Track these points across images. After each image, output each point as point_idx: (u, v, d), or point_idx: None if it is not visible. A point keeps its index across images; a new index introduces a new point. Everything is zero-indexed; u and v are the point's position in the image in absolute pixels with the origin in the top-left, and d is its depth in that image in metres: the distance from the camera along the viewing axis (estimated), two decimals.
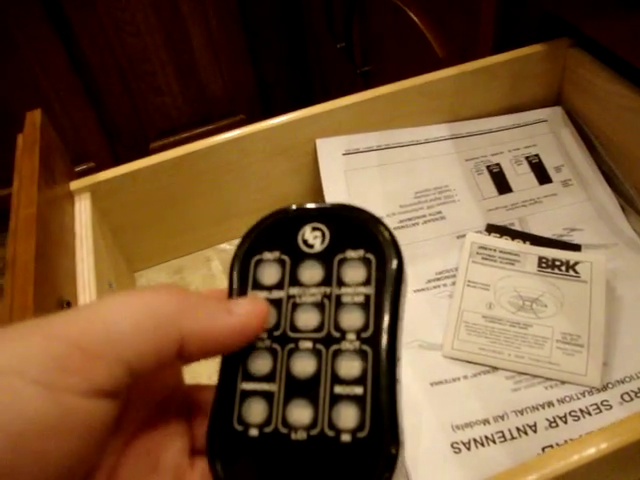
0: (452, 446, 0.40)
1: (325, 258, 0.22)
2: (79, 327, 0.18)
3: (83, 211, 0.50)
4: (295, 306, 0.22)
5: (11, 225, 0.40)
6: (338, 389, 0.21)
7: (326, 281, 0.22)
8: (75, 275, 0.45)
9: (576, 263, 0.47)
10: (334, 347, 0.21)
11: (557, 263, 0.48)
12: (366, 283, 0.21)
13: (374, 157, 0.54)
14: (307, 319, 0.22)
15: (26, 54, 1.28)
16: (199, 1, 1.34)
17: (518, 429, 0.40)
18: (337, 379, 0.21)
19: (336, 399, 0.21)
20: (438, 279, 0.49)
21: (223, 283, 0.56)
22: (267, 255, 0.23)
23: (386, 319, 0.21)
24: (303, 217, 0.23)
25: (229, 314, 0.21)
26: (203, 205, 0.56)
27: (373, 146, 0.54)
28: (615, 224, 0.51)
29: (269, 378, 0.22)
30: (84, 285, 0.44)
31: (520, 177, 0.54)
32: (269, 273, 0.23)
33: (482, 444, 0.40)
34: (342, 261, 0.22)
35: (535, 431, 0.40)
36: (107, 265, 0.50)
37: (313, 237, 0.23)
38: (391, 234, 0.22)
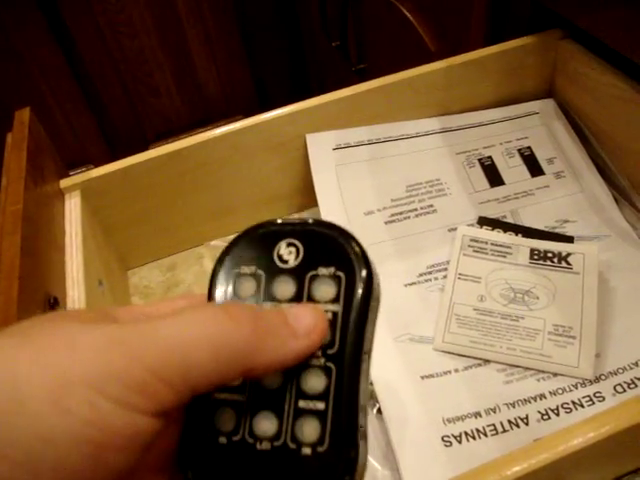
0: (443, 439, 0.39)
1: (298, 274, 0.22)
2: (157, 353, 0.19)
3: (73, 209, 0.50)
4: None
5: None
6: (302, 403, 0.21)
7: (297, 297, 0.22)
8: (64, 272, 0.45)
9: (568, 254, 0.47)
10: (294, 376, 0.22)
11: (549, 255, 0.47)
12: (335, 300, 0.22)
13: (365, 151, 0.54)
14: None
15: (24, 58, 1.28)
16: (195, 1, 1.34)
17: (510, 422, 0.40)
18: (301, 393, 0.21)
19: (299, 413, 0.21)
20: (430, 272, 0.48)
21: None
22: (244, 269, 0.23)
23: (351, 337, 0.21)
24: (279, 233, 0.23)
25: (294, 338, 0.21)
26: (195, 202, 0.55)
27: (364, 140, 0.54)
28: (608, 216, 0.51)
29: (239, 389, 0.22)
30: (73, 282, 0.44)
31: (512, 169, 0.54)
32: (245, 287, 0.23)
33: (473, 437, 0.39)
34: (313, 277, 0.22)
35: (527, 424, 0.40)
36: (98, 263, 0.50)
37: (288, 252, 0.23)
38: (363, 252, 0.22)
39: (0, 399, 0.17)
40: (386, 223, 0.51)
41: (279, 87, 1.55)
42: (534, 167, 0.54)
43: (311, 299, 0.22)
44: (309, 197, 0.53)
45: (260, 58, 1.49)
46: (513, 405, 0.41)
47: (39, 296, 0.38)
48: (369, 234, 0.50)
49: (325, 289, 0.22)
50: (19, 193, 0.42)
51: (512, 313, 0.44)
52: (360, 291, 0.21)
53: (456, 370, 0.43)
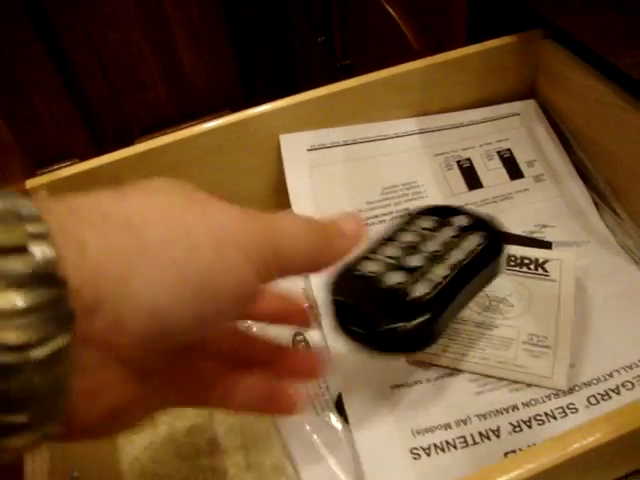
0: (411, 452, 0.38)
1: (459, 230, 0.38)
2: (280, 239, 0.25)
3: None
4: (430, 238, 0.37)
5: None
6: (420, 280, 0.34)
7: (455, 238, 0.37)
8: None
9: (545, 261, 0.46)
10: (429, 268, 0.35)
11: (526, 261, 0.46)
12: (472, 251, 0.36)
13: (340, 153, 0.52)
14: (431, 245, 0.36)
15: (5, 50, 1.26)
16: None
17: (481, 434, 0.39)
18: (423, 278, 0.34)
19: (417, 281, 0.34)
20: None
21: None
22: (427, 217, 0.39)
23: (464, 277, 0.35)
24: (452, 209, 0.40)
25: (343, 238, 0.29)
26: None
27: (339, 141, 0.53)
28: (588, 221, 0.50)
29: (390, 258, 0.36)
30: None
31: (491, 172, 0.52)
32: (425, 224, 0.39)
33: (443, 450, 0.38)
34: (468, 230, 0.38)
35: (498, 436, 0.39)
36: None
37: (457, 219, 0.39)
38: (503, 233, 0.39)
39: (179, 243, 0.22)
40: None
41: (266, 81, 1.53)
42: (513, 170, 0.53)
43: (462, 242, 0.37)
44: (284, 198, 0.52)
45: (247, 51, 1.47)
46: (484, 416, 0.40)
47: None
48: None
49: (473, 239, 0.37)
50: None
51: (486, 321, 0.43)
52: (495, 260, 0.37)
53: (427, 380, 0.42)
